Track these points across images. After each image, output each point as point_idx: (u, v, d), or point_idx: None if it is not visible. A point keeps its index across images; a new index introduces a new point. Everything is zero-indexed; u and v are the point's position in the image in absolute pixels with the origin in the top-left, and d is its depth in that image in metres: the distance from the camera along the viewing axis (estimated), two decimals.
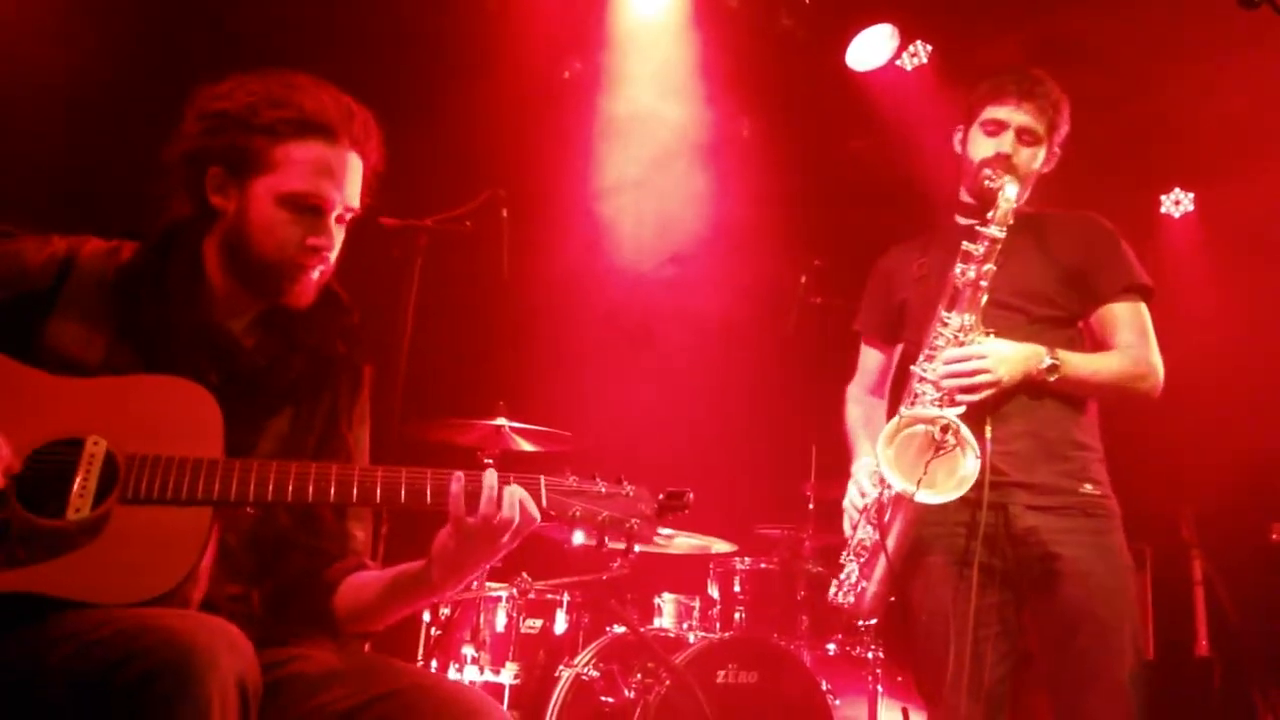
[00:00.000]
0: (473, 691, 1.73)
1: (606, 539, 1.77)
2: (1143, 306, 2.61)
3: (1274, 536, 4.70)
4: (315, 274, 1.80)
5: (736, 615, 4.12)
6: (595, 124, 5.02)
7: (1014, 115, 2.61)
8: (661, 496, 1.77)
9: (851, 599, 2.54)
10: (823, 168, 5.45)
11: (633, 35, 5.02)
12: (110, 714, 1.37)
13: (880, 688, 3.98)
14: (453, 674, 3.79)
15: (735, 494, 4.73)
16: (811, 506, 4.38)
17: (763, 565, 4.18)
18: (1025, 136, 2.62)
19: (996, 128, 2.62)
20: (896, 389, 2.77)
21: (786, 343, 4.42)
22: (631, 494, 1.75)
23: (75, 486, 1.59)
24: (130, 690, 1.37)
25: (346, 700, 1.62)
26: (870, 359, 2.91)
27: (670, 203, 5.18)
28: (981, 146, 2.63)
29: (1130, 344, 2.57)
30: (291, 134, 1.75)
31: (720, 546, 4.24)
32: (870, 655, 4.03)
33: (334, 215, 1.80)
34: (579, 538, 1.77)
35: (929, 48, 5.19)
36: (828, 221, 5.22)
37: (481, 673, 3.81)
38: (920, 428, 2.39)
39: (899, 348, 2.85)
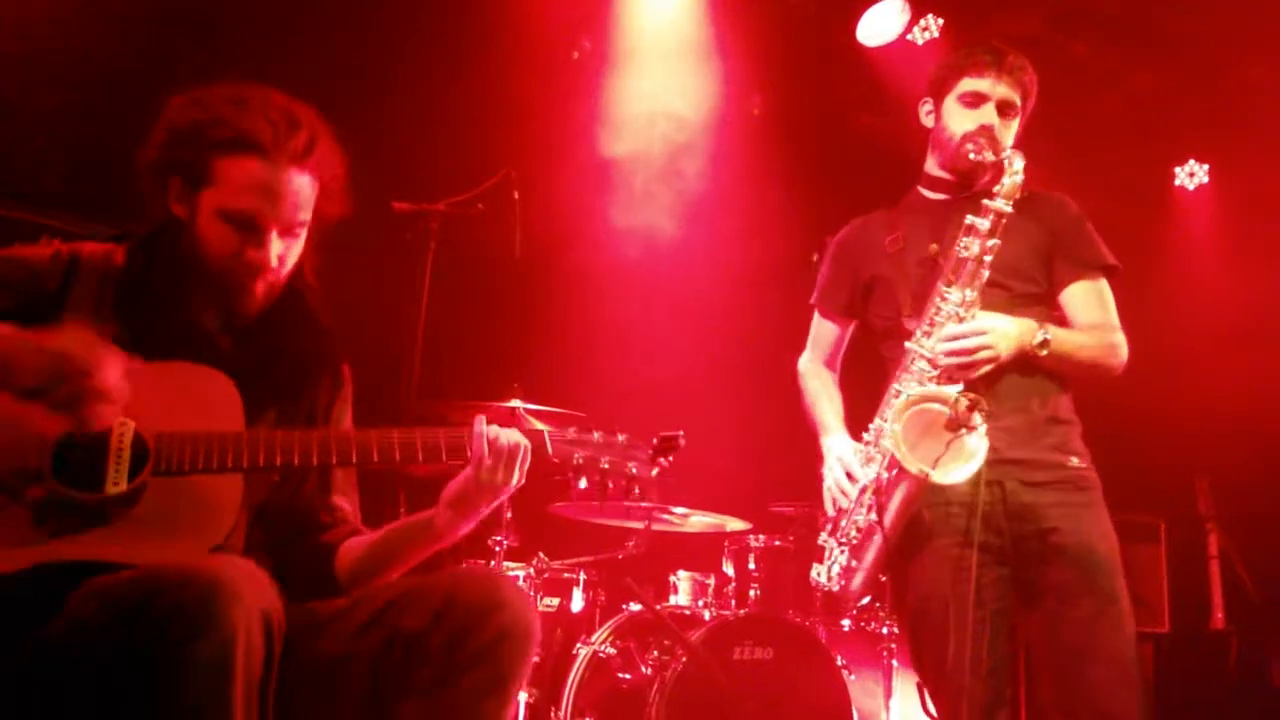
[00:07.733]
0: (505, 580, 1.81)
1: (609, 483, 1.90)
2: (1106, 284, 2.62)
3: None
4: (258, 285, 1.84)
5: (752, 592, 4.14)
6: (605, 104, 5.01)
7: (995, 88, 2.56)
8: (655, 440, 1.91)
9: (840, 583, 2.53)
10: (834, 144, 5.42)
11: (642, 14, 5.00)
12: (141, 652, 1.41)
13: (895, 662, 4.00)
14: None
15: (749, 472, 4.75)
16: None
17: (777, 543, 4.19)
18: (1006, 110, 2.58)
19: (976, 100, 2.57)
20: (846, 363, 2.88)
21: (798, 319, 4.42)
22: (626, 441, 1.92)
23: (110, 462, 1.66)
24: (158, 625, 1.40)
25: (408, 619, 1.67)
26: (826, 331, 2.89)
27: (682, 181, 5.17)
28: (961, 119, 2.58)
29: (1103, 322, 2.58)
30: (227, 151, 1.79)
31: (735, 524, 4.25)
32: (885, 630, 4.05)
33: (274, 231, 1.81)
34: (583, 483, 1.90)
35: (940, 21, 5.09)
36: (840, 198, 5.18)
37: None
38: (934, 406, 2.35)
39: (853, 323, 2.85)
